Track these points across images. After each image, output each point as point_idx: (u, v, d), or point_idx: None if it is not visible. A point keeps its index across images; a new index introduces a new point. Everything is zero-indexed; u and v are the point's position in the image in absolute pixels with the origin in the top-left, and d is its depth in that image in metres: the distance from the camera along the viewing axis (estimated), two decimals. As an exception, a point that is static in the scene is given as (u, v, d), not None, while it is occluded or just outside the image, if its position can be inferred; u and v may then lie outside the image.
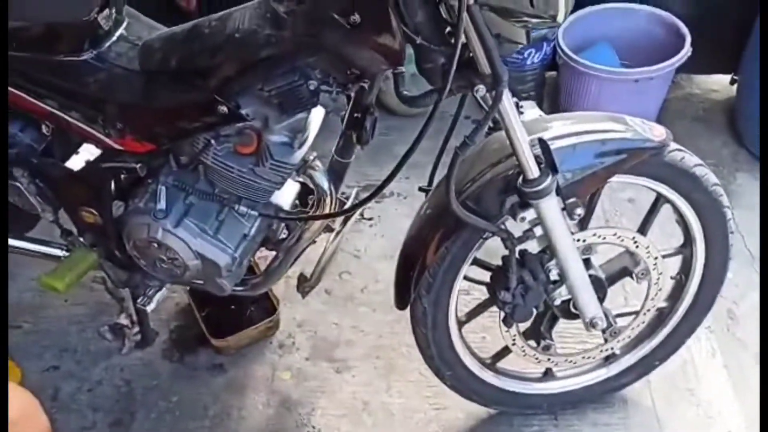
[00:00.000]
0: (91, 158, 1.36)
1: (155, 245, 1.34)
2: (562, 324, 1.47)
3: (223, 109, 1.16)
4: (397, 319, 1.80)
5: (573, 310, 1.36)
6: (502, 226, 1.22)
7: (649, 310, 1.44)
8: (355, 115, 1.20)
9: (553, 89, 2.32)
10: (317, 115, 1.26)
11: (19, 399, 1.03)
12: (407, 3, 1.00)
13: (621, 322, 1.45)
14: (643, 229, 1.39)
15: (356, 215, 2.04)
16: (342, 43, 1.05)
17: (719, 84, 2.51)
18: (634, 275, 1.39)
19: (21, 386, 1.05)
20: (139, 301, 1.45)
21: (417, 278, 1.31)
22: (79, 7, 1.17)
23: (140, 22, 1.32)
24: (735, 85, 2.36)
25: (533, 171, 1.15)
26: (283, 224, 1.46)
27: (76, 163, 1.37)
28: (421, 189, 1.35)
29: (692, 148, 1.32)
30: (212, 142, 1.23)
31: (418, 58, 1.06)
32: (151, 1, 1.66)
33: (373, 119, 1.20)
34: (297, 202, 1.44)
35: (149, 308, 1.45)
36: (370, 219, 2.07)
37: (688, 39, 2.08)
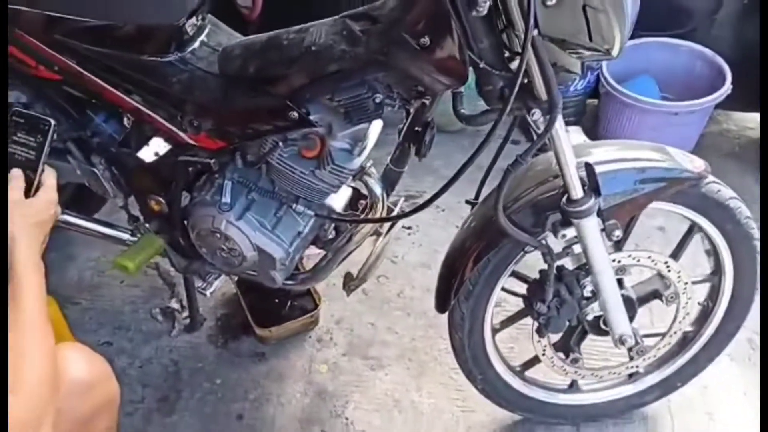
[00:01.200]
0: (164, 151, 1.48)
1: (218, 235, 1.45)
2: (591, 341, 1.55)
3: (294, 114, 1.26)
4: (430, 324, 1.90)
5: (603, 326, 1.44)
6: (543, 242, 1.30)
7: (675, 333, 1.51)
8: (416, 129, 1.30)
9: (593, 116, 2.40)
10: (376, 126, 1.36)
11: (98, 363, 1.14)
12: (474, 30, 1.10)
13: (647, 342, 1.52)
14: (675, 255, 1.46)
15: (399, 224, 2.15)
16: (410, 63, 1.15)
17: (755, 121, 2.57)
18: (663, 298, 1.46)
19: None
20: (199, 285, 1.56)
21: (458, 285, 1.40)
22: (172, 13, 1.29)
23: (220, 30, 1.43)
24: (769, 123, 2.42)
25: (577, 192, 1.23)
26: (333, 225, 1.56)
27: (150, 154, 1.48)
28: (468, 202, 1.45)
29: (724, 183, 1.39)
30: (279, 144, 1.34)
31: (479, 80, 1.16)
32: (217, 11, 1.79)
33: (432, 134, 1.30)
34: (348, 205, 1.55)
35: (208, 292, 1.55)
36: (409, 228, 2.17)
37: (729, 76, 2.15)
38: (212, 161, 1.37)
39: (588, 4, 1.04)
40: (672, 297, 1.45)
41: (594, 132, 2.38)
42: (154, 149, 1.49)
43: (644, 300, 1.49)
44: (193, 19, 1.33)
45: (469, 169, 1.19)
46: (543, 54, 1.08)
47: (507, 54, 1.15)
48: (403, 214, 1.38)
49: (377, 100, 1.22)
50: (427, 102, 1.25)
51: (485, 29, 1.10)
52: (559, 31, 1.07)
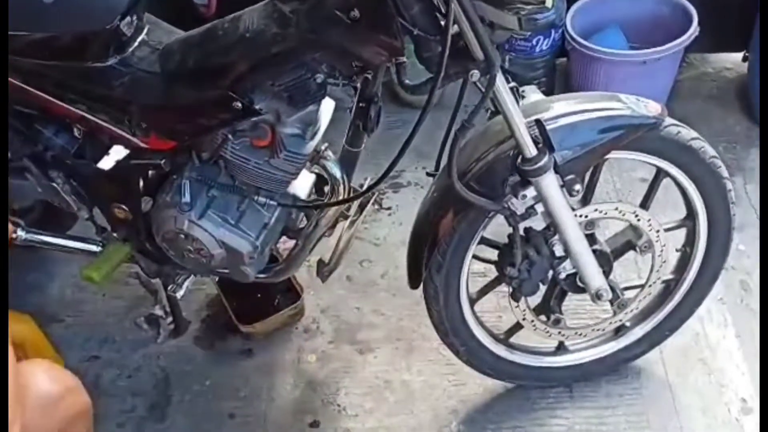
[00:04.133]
0: (120, 157, 1.46)
1: (182, 236, 1.43)
2: (573, 301, 1.53)
3: (238, 105, 1.24)
4: (416, 302, 1.87)
5: (579, 283, 1.42)
6: (505, 205, 1.28)
7: (654, 283, 1.49)
8: (361, 105, 1.27)
9: (564, 75, 2.37)
10: (327, 107, 1.34)
11: (62, 377, 1.13)
12: None
13: (629, 294, 1.50)
14: (645, 204, 1.44)
15: (375, 205, 2.13)
16: (344, 38, 1.12)
17: (732, 62, 2.52)
18: (637, 248, 1.44)
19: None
20: (169, 288, 1.55)
21: (427, 259, 1.38)
22: (103, 16, 1.26)
23: (160, 28, 1.41)
24: (747, 62, 2.38)
25: (531, 150, 1.21)
26: (302, 213, 1.54)
27: (106, 162, 1.46)
28: (428, 174, 1.42)
29: (706, 127, 1.38)
30: (230, 137, 1.32)
31: (417, 48, 1.13)
32: (172, 10, 1.76)
33: (377, 108, 1.27)
34: (314, 191, 1.53)
35: (179, 294, 1.55)
36: (389, 208, 2.15)
37: (695, 19, 2.11)
38: (162, 161, 1.36)
39: None
40: (646, 246, 1.43)
41: (567, 91, 2.34)
42: (110, 157, 1.47)
43: (619, 253, 1.47)
44: (128, 20, 1.31)
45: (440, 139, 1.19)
46: (471, 12, 1.05)
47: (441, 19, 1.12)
48: (362, 192, 1.36)
49: (318, 80, 1.20)
50: (370, 76, 1.23)
51: None
52: None
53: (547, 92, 2.39)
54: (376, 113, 1.28)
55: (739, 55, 2.45)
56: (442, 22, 1.11)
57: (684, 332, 1.66)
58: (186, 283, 1.55)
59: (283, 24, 1.16)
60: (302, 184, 1.48)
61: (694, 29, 2.09)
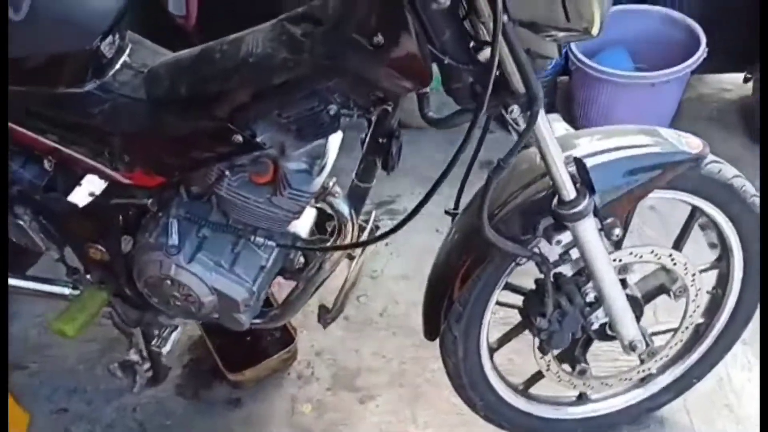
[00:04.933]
0: (97, 192, 1.30)
1: (168, 282, 1.27)
2: (596, 346, 1.40)
3: (238, 138, 1.09)
4: (419, 342, 1.72)
5: (609, 332, 1.30)
6: (537, 251, 1.15)
7: (687, 327, 1.38)
8: (380, 140, 1.13)
9: (565, 95, 2.26)
10: (335, 139, 1.20)
11: None
12: (433, 21, 0.94)
13: (657, 340, 1.38)
14: (678, 245, 1.33)
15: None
16: (364, 66, 0.99)
17: (731, 83, 2.45)
18: (671, 293, 1.33)
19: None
20: (153, 343, 1.38)
21: (447, 308, 1.24)
22: (82, 36, 1.10)
23: (144, 48, 1.25)
24: (749, 83, 2.30)
25: (569, 192, 1.08)
26: (299, 252, 1.39)
27: (80, 198, 1.30)
28: (447, 213, 1.29)
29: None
30: (226, 172, 1.17)
31: (445, 77, 1.00)
32: (149, 21, 1.60)
33: (399, 144, 1.13)
34: (315, 228, 1.39)
35: (164, 350, 1.38)
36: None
37: (704, 40, 2.03)
38: (150, 201, 1.19)
39: None
40: (680, 291, 1.32)
41: (568, 112, 2.24)
42: (85, 191, 1.31)
43: (650, 297, 1.35)
44: (109, 39, 1.15)
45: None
46: (516, 41, 0.92)
47: (472, 44, 0.99)
48: (378, 237, 1.21)
49: (332, 112, 1.05)
50: (390, 108, 1.09)
51: (446, 19, 0.94)
52: (531, 14, 0.92)
53: (547, 112, 2.31)
54: (398, 149, 1.14)
55: (738, 77, 2.38)
56: (473, 47, 0.99)
57: (707, 377, 1.55)
58: (172, 337, 1.39)
59: (294, 48, 1.01)
60: (303, 222, 1.34)
61: (702, 51, 2.01)
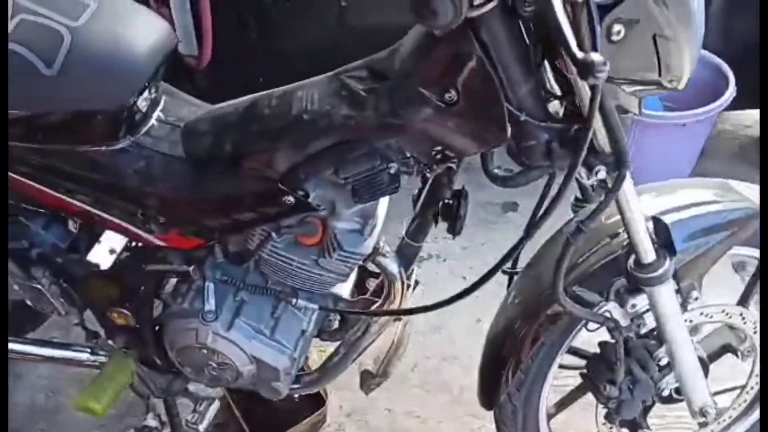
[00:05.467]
0: (118, 250, 1.21)
1: (204, 351, 1.17)
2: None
3: (289, 199, 1.01)
4: (454, 399, 1.65)
5: (675, 395, 1.22)
6: (608, 315, 1.07)
7: (753, 387, 1.30)
8: (445, 200, 1.05)
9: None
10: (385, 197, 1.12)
11: None
12: (510, 75, 0.87)
13: (720, 400, 1.30)
14: (744, 302, 1.25)
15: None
16: (433, 124, 0.91)
17: (751, 119, 2.43)
18: (738, 353, 1.25)
19: None
20: (189, 419, 1.27)
21: (509, 377, 1.15)
22: (119, 93, 1.01)
23: (177, 99, 1.17)
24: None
25: (648, 254, 1.01)
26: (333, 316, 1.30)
27: (101, 257, 1.21)
28: (506, 272, 1.21)
29: None
30: (272, 234, 1.08)
31: (517, 135, 0.92)
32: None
33: (467, 205, 1.05)
34: (356, 288, 1.30)
35: (201, 427, 1.27)
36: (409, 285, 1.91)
37: (732, 78, 1.99)
38: (192, 269, 1.10)
39: (659, 33, 0.82)
40: (749, 350, 1.24)
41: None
42: (104, 248, 1.22)
43: (715, 357, 1.27)
44: (146, 93, 1.06)
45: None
46: (608, 98, 0.85)
47: (548, 98, 0.92)
48: (433, 306, 1.11)
49: (392, 171, 0.97)
50: (454, 165, 1.01)
51: (523, 70, 0.87)
52: (625, 70, 0.85)
53: None
54: (466, 211, 1.05)
55: (758, 113, 2.35)
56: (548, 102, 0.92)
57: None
58: (210, 411, 1.28)
59: (356, 105, 0.93)
60: (345, 281, 1.25)
61: (732, 89, 1.97)
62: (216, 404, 1.28)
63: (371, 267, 1.27)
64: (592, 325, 1.08)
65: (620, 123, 0.87)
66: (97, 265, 1.22)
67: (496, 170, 1.02)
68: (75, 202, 1.09)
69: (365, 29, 1.98)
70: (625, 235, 1.06)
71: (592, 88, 0.80)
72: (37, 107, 0.99)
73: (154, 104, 1.11)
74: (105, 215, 1.10)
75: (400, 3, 2.08)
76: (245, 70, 2.04)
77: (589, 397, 1.24)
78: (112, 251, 1.25)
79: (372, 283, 1.31)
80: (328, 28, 1.99)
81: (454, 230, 1.05)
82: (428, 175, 1.07)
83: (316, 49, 1.95)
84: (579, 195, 1.20)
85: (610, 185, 0.91)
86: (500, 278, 1.78)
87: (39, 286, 1.23)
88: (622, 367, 1.11)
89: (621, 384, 1.12)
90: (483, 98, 0.88)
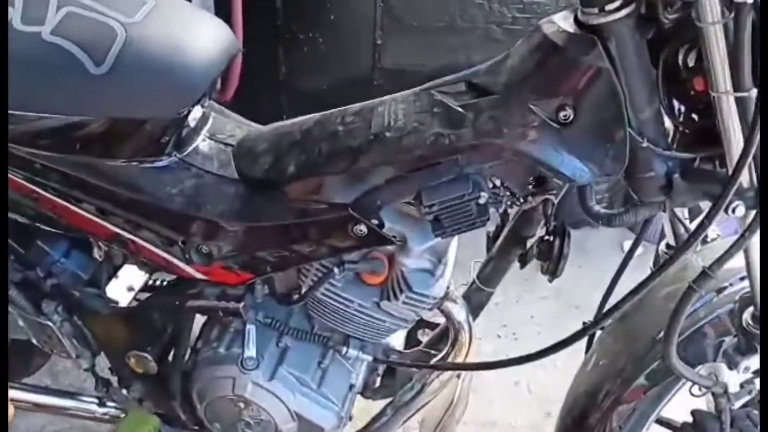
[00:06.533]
0: (137, 288, 1.08)
1: (241, 404, 1.02)
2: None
3: (361, 229, 0.88)
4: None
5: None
6: (718, 379, 0.94)
7: None
8: (546, 238, 0.92)
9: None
10: (455, 235, 0.99)
11: None
12: (634, 94, 0.76)
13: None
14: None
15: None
16: (542, 145, 0.79)
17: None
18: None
19: None
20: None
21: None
22: (174, 102, 0.88)
23: (227, 118, 1.05)
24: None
25: (771, 307, 0.88)
26: (383, 368, 1.16)
27: (118, 294, 1.07)
28: (585, 324, 1.07)
29: None
30: (333, 270, 0.94)
31: (633, 165, 0.81)
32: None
33: (569, 242, 0.92)
34: (407, 339, 1.16)
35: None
36: (438, 342, 1.76)
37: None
38: (242, 306, 0.95)
39: None
40: None
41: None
42: (121, 285, 1.09)
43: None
44: (199, 106, 0.94)
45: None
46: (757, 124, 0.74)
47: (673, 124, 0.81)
48: (515, 360, 0.97)
49: (481, 201, 0.85)
50: (553, 198, 0.89)
51: (649, 90, 0.76)
52: None
53: (610, 206, 2.16)
54: (569, 250, 0.92)
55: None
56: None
57: None
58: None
59: (451, 122, 0.82)
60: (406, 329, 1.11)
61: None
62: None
63: (427, 316, 1.14)
64: (696, 390, 0.94)
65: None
66: (117, 302, 1.07)
67: (597, 207, 0.90)
68: (107, 224, 0.95)
69: (400, 70, 1.90)
70: (731, 291, 0.95)
71: (759, 104, 0.69)
72: (79, 110, 0.86)
73: (204, 120, 0.99)
74: (139, 241, 0.96)
75: (437, 44, 2.00)
76: (271, 106, 1.94)
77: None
78: (130, 288, 1.11)
79: (426, 335, 1.18)
80: (361, 67, 1.90)
81: (555, 272, 0.92)
82: (515, 208, 0.95)
83: (348, 89, 1.86)
84: (670, 241, 1.09)
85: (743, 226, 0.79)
86: (539, 340, 1.66)
87: (50, 323, 1.08)
88: (726, 438, 0.97)
89: (723, 459, 0.97)
90: (603, 119, 0.77)
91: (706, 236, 1.05)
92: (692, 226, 1.05)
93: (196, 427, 1.13)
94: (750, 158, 0.70)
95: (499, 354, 1.78)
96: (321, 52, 1.90)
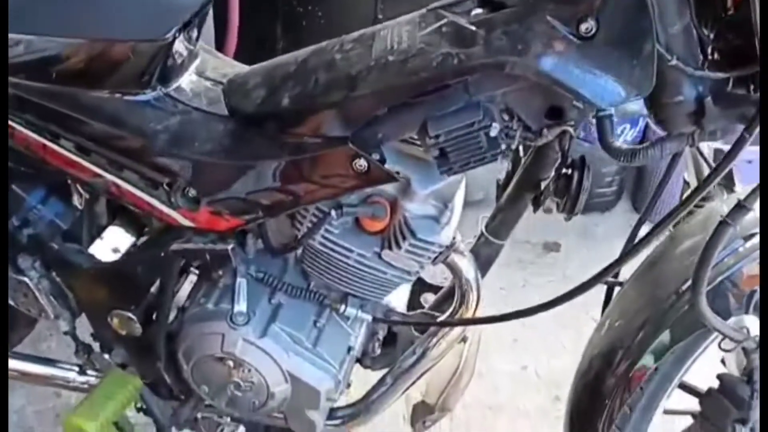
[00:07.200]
0: (123, 250, 1.00)
1: (230, 363, 0.94)
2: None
3: (361, 163, 0.80)
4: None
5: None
6: (749, 332, 0.86)
7: None
8: (564, 172, 0.85)
9: (638, 171, 2.04)
10: (463, 179, 0.92)
11: None
12: (662, 5, 0.69)
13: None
14: None
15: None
16: (561, 63, 0.72)
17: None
18: None
19: None
20: (207, 449, 1.02)
21: (611, 413, 0.93)
22: (158, 23, 0.81)
23: (217, 58, 0.99)
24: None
25: (810, 251, 0.81)
26: (383, 335, 1.08)
27: (113, 249, 1.00)
28: (608, 283, 1.00)
29: None
30: (330, 214, 0.87)
31: (661, 87, 0.74)
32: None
33: (590, 176, 0.85)
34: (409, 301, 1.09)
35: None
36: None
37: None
38: (231, 248, 0.88)
39: None
40: None
41: (639, 189, 2.03)
42: (106, 245, 1.01)
43: None
44: (185, 35, 0.87)
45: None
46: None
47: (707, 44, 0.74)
48: (521, 312, 0.89)
49: (492, 133, 0.78)
50: (571, 130, 0.81)
51: (680, 1, 0.70)
52: None
53: (620, 190, 2.10)
54: (589, 184, 0.85)
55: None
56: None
57: None
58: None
59: (461, 40, 0.74)
60: (400, 290, 1.03)
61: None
62: (242, 429, 1.03)
63: (430, 277, 1.07)
64: (726, 345, 0.87)
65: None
66: (100, 258, 1.00)
67: (617, 142, 0.83)
68: (87, 164, 0.88)
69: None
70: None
71: None
72: (52, 29, 0.79)
73: (192, 56, 0.92)
74: (122, 183, 0.89)
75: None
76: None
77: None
78: (115, 250, 1.04)
79: (427, 299, 1.10)
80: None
81: (574, 208, 0.84)
82: (528, 145, 0.88)
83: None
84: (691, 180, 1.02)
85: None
86: (548, 324, 1.58)
87: (26, 280, 1.00)
88: (757, 401, 0.89)
89: (754, 424, 0.90)
90: (629, 33, 0.70)
91: (732, 183, 0.99)
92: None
93: (182, 396, 1.05)
94: None
95: (504, 338, 1.71)
96: (320, 26, 1.84)
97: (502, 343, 1.67)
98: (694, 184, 1.01)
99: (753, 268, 0.86)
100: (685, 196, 0.77)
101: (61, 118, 0.85)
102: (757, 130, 0.68)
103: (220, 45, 1.84)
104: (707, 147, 1.02)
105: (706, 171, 0.94)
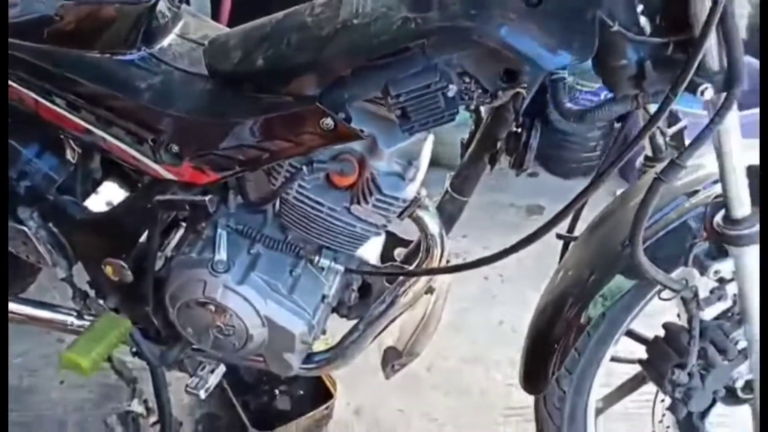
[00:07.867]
0: (129, 194, 1.07)
1: (211, 308, 1.02)
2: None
3: (328, 122, 0.87)
4: (476, 404, 1.49)
5: (742, 393, 1.07)
6: (687, 283, 0.93)
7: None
8: (515, 131, 0.91)
9: (624, 137, 2.09)
10: (429, 138, 0.98)
11: None
12: None
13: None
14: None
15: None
16: (513, 29, 0.78)
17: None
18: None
19: None
20: (189, 384, 1.10)
21: (560, 357, 1.00)
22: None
23: (201, 21, 1.05)
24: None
25: (744, 207, 0.87)
26: (358, 285, 1.15)
27: (105, 201, 1.07)
28: (560, 237, 1.07)
29: None
30: (302, 169, 0.93)
31: (605, 52, 0.80)
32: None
33: (538, 134, 0.91)
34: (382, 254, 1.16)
35: (202, 392, 1.09)
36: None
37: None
38: (208, 198, 0.95)
39: None
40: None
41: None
42: (101, 200, 1.08)
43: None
44: (166, 0, 0.93)
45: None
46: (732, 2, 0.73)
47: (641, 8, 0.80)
48: (482, 260, 0.96)
49: (450, 94, 0.84)
50: (524, 92, 0.87)
51: None
52: None
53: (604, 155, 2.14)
54: (537, 141, 0.91)
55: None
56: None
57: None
58: (213, 377, 1.10)
59: (419, 5, 0.80)
60: (374, 244, 1.11)
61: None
62: (221, 369, 1.11)
63: (401, 231, 1.14)
64: (665, 295, 0.93)
65: (739, 38, 0.75)
66: (93, 209, 1.08)
67: (569, 104, 0.89)
68: (77, 120, 0.95)
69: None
70: (703, 195, 0.94)
71: None
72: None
73: (175, 18, 0.99)
74: (110, 138, 0.96)
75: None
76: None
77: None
78: (109, 204, 1.11)
79: (400, 254, 1.17)
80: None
81: (522, 163, 0.91)
82: (482, 107, 0.94)
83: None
84: (649, 153, 1.08)
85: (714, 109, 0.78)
86: (526, 281, 1.64)
87: (25, 229, 1.08)
88: (696, 348, 0.96)
89: (691, 369, 0.97)
90: (573, 1, 0.76)
91: (682, 145, 1.04)
92: (671, 131, 1.05)
93: (170, 339, 1.13)
94: (713, 32, 0.69)
95: (485, 296, 1.78)
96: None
97: (480, 299, 1.74)
98: (649, 151, 1.07)
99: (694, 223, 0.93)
100: (612, 154, 0.83)
101: (51, 76, 0.92)
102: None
103: (215, 13, 1.90)
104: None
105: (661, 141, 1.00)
